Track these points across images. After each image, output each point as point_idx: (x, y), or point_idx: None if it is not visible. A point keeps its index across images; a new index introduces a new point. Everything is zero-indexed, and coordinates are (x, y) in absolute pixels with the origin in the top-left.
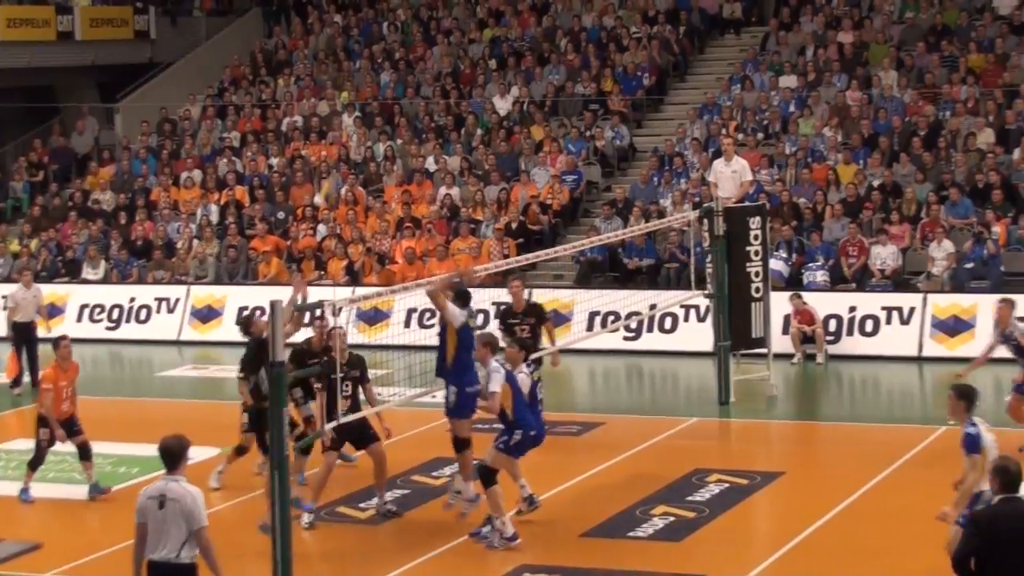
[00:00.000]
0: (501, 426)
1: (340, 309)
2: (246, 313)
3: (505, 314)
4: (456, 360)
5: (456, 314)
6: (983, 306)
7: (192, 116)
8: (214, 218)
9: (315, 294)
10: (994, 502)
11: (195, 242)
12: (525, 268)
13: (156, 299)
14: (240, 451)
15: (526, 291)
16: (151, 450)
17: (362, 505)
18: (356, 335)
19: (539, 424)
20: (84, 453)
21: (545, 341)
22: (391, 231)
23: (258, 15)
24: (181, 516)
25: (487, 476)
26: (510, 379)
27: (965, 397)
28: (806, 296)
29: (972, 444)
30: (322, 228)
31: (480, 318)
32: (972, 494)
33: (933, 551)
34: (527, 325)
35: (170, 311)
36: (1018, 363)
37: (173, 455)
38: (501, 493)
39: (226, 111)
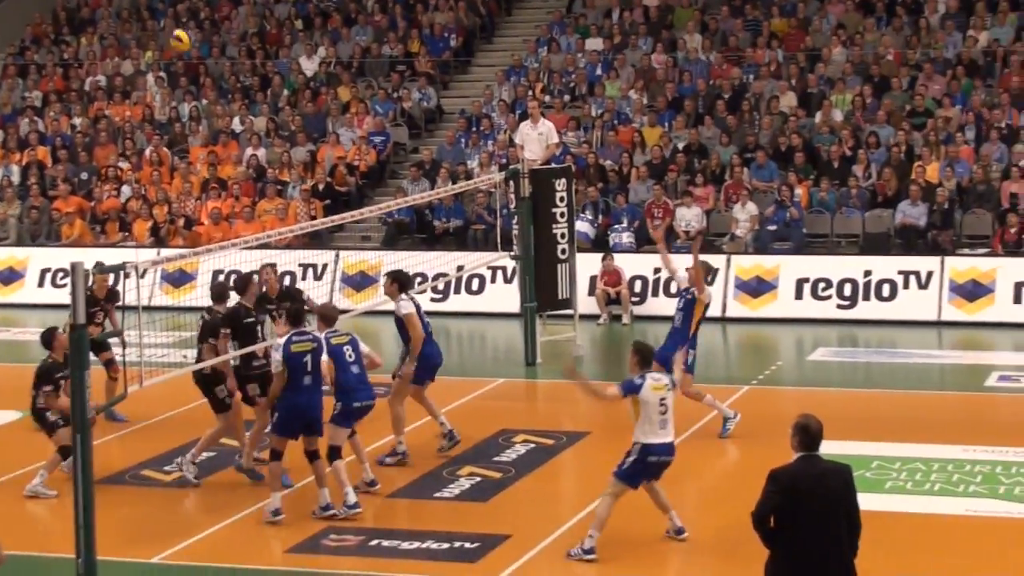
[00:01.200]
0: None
1: (144, 271)
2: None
3: (262, 300)
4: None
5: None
6: (785, 267)
7: None
8: (15, 179)
9: (119, 256)
10: (793, 460)
11: None
12: (332, 230)
13: None
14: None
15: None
16: None
17: (167, 468)
18: (161, 297)
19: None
20: None
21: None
22: (195, 192)
23: None
24: None
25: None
26: (333, 352)
27: (639, 353)
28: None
29: (628, 387)
30: (126, 189)
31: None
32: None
33: (730, 506)
34: (283, 310)
35: None
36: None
37: None
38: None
39: (27, 70)
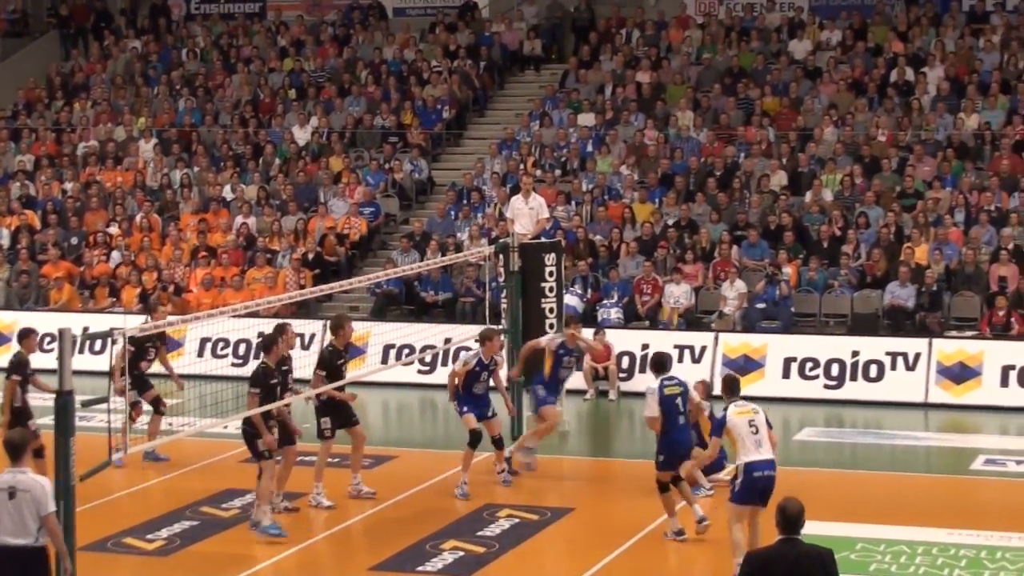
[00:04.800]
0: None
1: (132, 338)
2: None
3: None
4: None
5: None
6: (773, 346)
7: None
8: (5, 243)
9: (108, 322)
10: (773, 542)
11: None
12: (321, 299)
13: None
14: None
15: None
16: None
17: (149, 536)
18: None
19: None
20: None
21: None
22: (184, 259)
23: (55, 37)
24: (33, 504)
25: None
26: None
27: (725, 383)
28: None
29: (716, 427)
30: (116, 255)
31: None
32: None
33: None
34: None
35: None
36: None
37: (16, 447)
38: None
39: (20, 134)
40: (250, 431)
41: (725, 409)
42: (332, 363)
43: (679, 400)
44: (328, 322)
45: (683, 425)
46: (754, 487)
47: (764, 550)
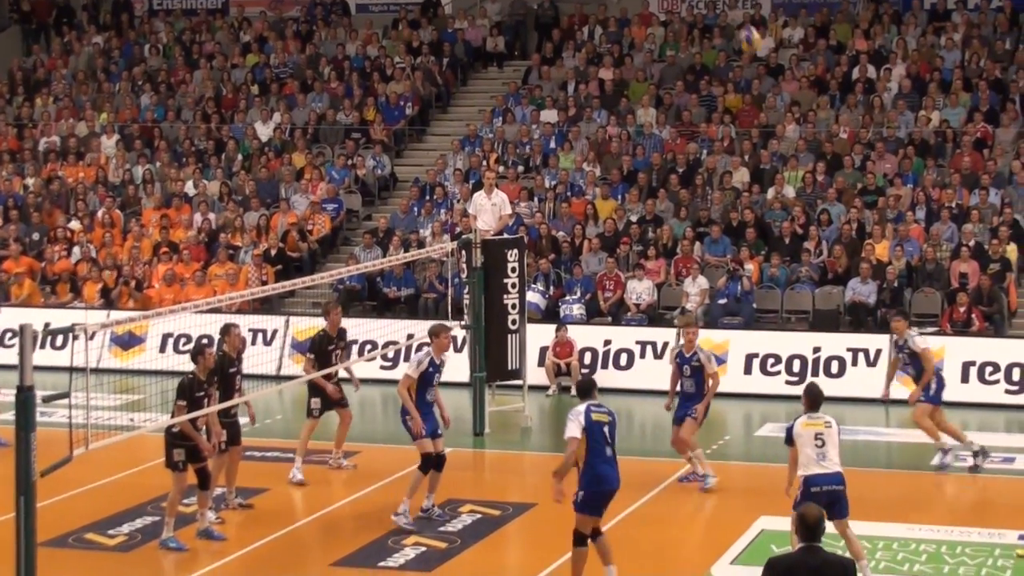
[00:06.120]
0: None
1: (93, 333)
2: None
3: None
4: None
5: None
6: (735, 342)
7: None
8: None
9: (69, 317)
10: (794, 550)
11: None
12: (283, 295)
13: None
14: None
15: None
16: None
17: (111, 532)
18: (110, 360)
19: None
20: None
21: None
22: (144, 256)
23: (16, 33)
24: None
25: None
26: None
27: (806, 395)
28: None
29: (787, 436)
30: (77, 251)
31: None
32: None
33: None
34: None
35: None
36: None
37: None
38: None
39: None
40: (171, 439)
41: (796, 419)
42: (322, 348)
43: (607, 429)
44: (288, 318)
45: (611, 458)
46: (816, 501)
47: (786, 557)
